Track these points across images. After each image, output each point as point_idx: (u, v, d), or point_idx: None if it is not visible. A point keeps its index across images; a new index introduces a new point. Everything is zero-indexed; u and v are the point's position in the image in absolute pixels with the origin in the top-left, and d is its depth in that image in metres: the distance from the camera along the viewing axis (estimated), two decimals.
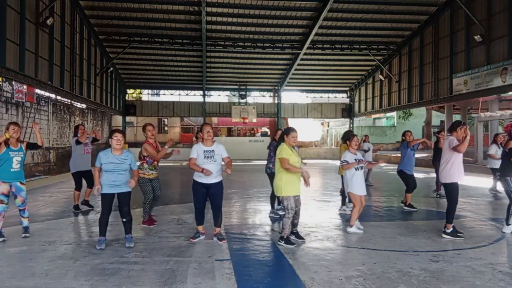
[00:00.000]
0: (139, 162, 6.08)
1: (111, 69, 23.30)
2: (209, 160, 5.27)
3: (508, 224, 6.04)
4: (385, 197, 9.86)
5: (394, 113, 37.48)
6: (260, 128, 37.20)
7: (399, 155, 8.59)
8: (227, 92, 30.46)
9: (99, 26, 19.71)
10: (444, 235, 5.72)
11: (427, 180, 13.07)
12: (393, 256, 4.86)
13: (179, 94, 29.44)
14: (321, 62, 24.24)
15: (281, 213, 7.31)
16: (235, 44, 21.09)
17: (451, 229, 5.71)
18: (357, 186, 6.07)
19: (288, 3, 17.67)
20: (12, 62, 11.75)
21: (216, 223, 5.52)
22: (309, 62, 23.99)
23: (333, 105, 30.43)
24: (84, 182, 7.84)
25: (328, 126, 39.31)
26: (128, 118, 29.27)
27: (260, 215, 7.54)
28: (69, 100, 19.03)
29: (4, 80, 12.33)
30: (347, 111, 29.96)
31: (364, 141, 12.09)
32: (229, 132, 37.74)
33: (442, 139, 8.92)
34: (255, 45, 21.16)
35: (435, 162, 9.34)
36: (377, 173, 15.25)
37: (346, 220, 6.64)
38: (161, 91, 32.94)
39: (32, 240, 5.49)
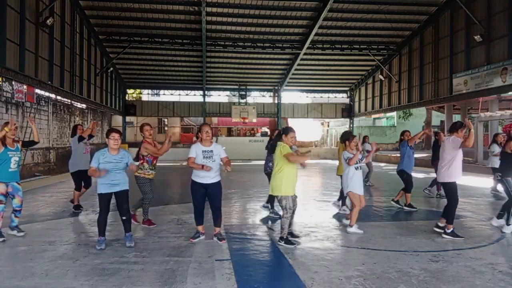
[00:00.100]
0: (138, 162, 6.08)
1: (111, 69, 23.31)
2: (208, 160, 5.27)
3: (508, 224, 6.05)
4: (385, 197, 9.84)
5: (394, 113, 37.50)
6: (260, 128, 37.18)
7: (399, 155, 8.59)
8: (227, 92, 30.47)
9: (99, 26, 19.72)
10: (444, 235, 5.71)
11: (427, 180, 13.03)
12: (393, 256, 4.86)
13: (179, 94, 29.46)
14: (321, 62, 24.25)
15: (268, 211, 7.38)
16: (235, 44, 21.09)
17: (451, 229, 5.70)
18: (357, 185, 6.08)
19: (288, 3, 17.67)
20: (12, 62, 11.77)
21: (216, 223, 5.52)
22: (309, 62, 23.99)
23: (333, 105, 30.45)
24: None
25: (328, 126, 39.29)
26: (128, 118, 29.29)
27: (260, 215, 7.52)
28: (69, 100, 19.03)
29: (4, 80, 12.33)
30: (347, 111, 29.97)
31: (364, 142, 12.09)
32: (229, 132, 37.73)
33: (442, 136, 8.91)
34: (255, 45, 21.17)
35: (434, 161, 9.34)
36: (377, 173, 15.24)
37: (341, 219, 6.60)
38: (161, 91, 32.93)
39: (32, 240, 5.48)
